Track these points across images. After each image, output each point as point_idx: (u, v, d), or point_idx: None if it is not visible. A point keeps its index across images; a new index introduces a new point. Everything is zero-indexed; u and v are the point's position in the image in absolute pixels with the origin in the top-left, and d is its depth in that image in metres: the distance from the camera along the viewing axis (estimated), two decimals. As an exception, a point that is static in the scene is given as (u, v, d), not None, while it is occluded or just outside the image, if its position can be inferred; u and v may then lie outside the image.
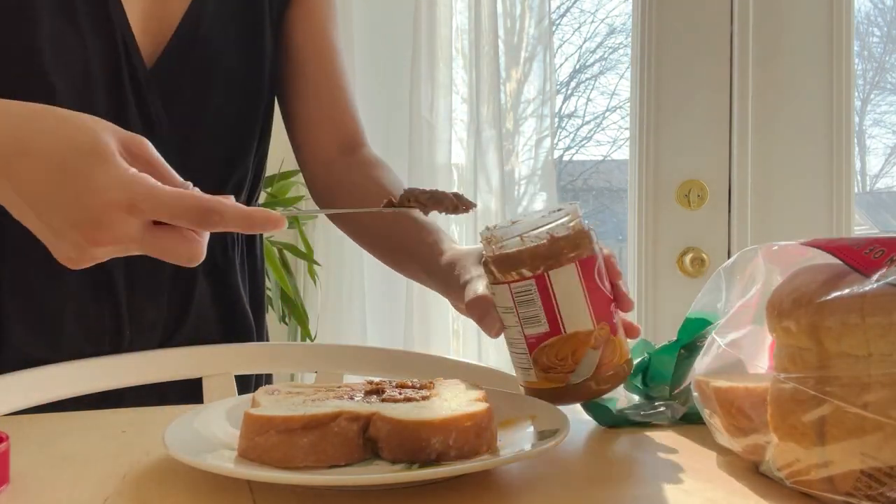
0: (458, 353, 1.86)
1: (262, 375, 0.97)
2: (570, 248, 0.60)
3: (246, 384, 0.93)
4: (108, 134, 0.55)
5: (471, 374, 0.88)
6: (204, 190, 0.58)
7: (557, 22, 2.39)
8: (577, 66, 2.58)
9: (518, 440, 0.54)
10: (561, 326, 0.60)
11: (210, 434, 0.55)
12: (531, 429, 0.56)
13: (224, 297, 0.91)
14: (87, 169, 0.54)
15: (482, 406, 0.52)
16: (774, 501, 0.47)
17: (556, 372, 0.61)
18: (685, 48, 1.86)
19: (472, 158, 1.82)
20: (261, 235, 0.98)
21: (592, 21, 2.40)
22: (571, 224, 0.61)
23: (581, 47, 2.46)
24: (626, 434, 0.62)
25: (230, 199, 0.55)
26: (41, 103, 0.71)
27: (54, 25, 0.76)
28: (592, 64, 2.51)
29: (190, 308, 0.87)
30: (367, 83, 1.80)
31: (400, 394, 0.56)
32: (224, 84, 0.87)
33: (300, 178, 1.04)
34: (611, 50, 2.47)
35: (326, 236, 1.82)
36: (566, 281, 0.60)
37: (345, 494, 0.48)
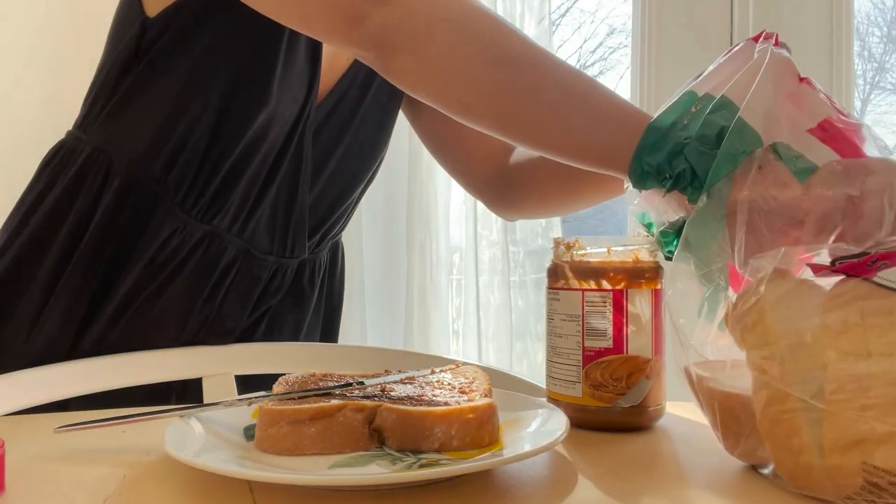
0: (458, 353, 1.86)
1: (262, 375, 0.97)
2: (651, 274, 0.63)
3: (246, 384, 0.93)
4: None
5: (471, 375, 0.88)
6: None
7: (557, 22, 2.38)
8: (577, 66, 2.58)
9: (518, 440, 0.54)
10: (624, 346, 0.61)
11: (210, 434, 0.55)
12: (531, 428, 0.56)
13: (297, 309, 0.97)
14: None
15: (485, 400, 0.54)
16: (774, 502, 0.47)
17: (605, 391, 0.62)
18: (685, 48, 1.86)
19: (472, 158, 1.81)
20: (342, 262, 1.06)
21: (592, 21, 2.40)
22: (653, 253, 0.63)
23: (581, 47, 2.46)
24: (626, 434, 0.63)
25: None
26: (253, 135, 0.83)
27: (278, 88, 0.84)
28: (592, 64, 2.51)
29: (263, 319, 0.93)
30: (367, 83, 1.80)
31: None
32: (352, 144, 0.95)
33: None
34: (611, 50, 2.47)
35: (326, 236, 1.81)
36: (640, 304, 0.62)
37: (345, 494, 0.48)
